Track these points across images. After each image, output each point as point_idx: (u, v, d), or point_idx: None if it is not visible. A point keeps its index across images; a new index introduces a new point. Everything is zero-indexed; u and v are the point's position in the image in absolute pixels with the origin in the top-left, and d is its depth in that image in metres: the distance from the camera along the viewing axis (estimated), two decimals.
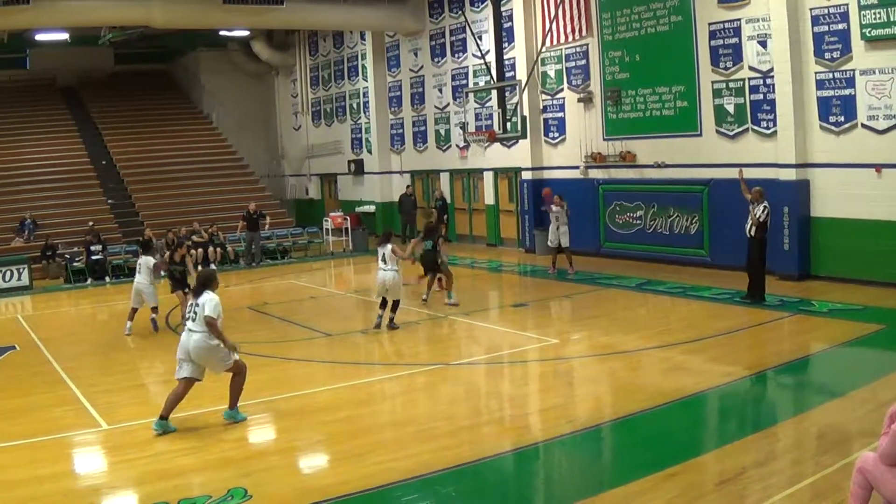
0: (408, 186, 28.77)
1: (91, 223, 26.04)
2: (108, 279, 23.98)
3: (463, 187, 27.60)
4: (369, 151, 31.56)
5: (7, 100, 35.01)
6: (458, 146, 27.07)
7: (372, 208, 31.09)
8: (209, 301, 9.50)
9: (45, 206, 28.24)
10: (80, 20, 25.80)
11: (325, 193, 35.74)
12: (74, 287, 23.60)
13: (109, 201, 29.49)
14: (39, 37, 30.85)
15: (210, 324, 9.47)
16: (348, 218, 28.48)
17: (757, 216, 14.86)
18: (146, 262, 15.47)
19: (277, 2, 25.03)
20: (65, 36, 30.54)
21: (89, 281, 23.72)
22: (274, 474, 8.24)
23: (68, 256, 25.00)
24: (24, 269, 23.30)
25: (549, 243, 20.11)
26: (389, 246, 14.88)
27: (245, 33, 32.68)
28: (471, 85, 25.82)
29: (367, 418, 10.05)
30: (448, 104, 27.44)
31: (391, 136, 30.65)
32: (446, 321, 15.60)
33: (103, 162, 31.81)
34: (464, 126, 23.87)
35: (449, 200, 27.47)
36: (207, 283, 9.87)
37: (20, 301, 21.69)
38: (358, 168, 32.12)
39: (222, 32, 31.25)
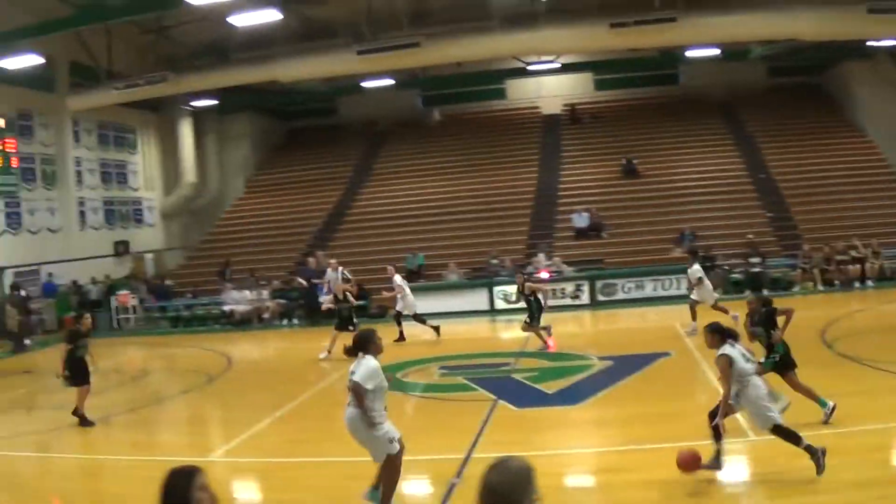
0: None
1: (750, 236, 27.16)
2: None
3: None
4: None
5: (660, 115, 37.59)
6: None
7: None
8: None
9: (703, 219, 29.47)
10: (728, 35, 26.63)
11: None
12: (732, 297, 22.99)
13: (768, 214, 30.02)
14: (690, 53, 32.76)
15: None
16: None
17: None
18: None
19: None
20: (716, 51, 32.11)
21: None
22: None
23: (726, 267, 26.29)
24: (683, 279, 22.98)
25: None
26: None
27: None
28: None
29: None
30: None
31: None
32: None
33: (761, 175, 32.37)
34: None
35: None
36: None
37: (678, 309, 21.82)
38: None
39: (869, 43, 30.12)
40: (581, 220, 30.67)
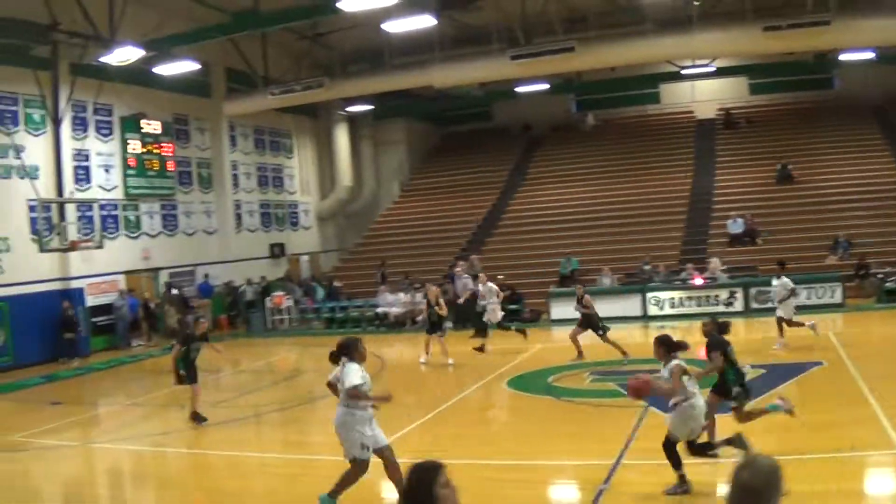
0: None
1: None
2: None
3: None
4: None
5: (815, 120, 36.48)
6: None
7: None
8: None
9: (859, 226, 28.39)
10: (882, 38, 25.59)
11: None
12: (886, 307, 23.77)
13: None
14: (844, 56, 31.63)
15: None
16: None
17: None
18: None
19: None
20: (870, 55, 30.76)
21: None
22: None
23: (881, 276, 25.41)
24: (837, 287, 24.31)
25: None
26: None
27: None
28: None
29: None
30: None
31: None
32: None
33: None
34: None
35: None
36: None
37: (832, 318, 21.93)
38: None
39: None
40: (736, 227, 29.76)
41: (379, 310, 28.57)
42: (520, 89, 35.62)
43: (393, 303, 28.39)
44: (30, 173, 24.53)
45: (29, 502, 11.36)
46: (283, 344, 27.04)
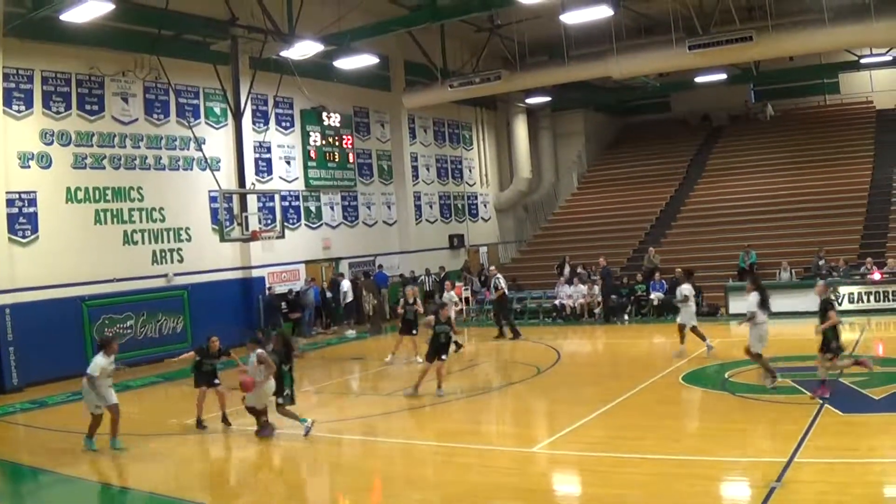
0: None
1: None
2: None
3: None
4: None
5: None
6: None
7: None
8: None
9: None
10: None
11: None
12: None
13: None
14: None
15: None
16: None
17: None
18: None
19: None
20: None
21: None
22: None
23: None
24: None
25: None
26: None
27: None
28: None
29: None
30: None
31: None
32: None
33: None
34: None
35: None
36: None
37: None
38: None
39: None
40: None
41: (556, 301, 28.07)
42: (698, 79, 34.49)
43: (571, 295, 27.80)
44: (211, 165, 25.24)
45: (204, 486, 11.52)
46: (458, 334, 26.84)
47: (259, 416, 13.43)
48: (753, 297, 15.00)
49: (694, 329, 18.55)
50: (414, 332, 20.21)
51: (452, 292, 24.48)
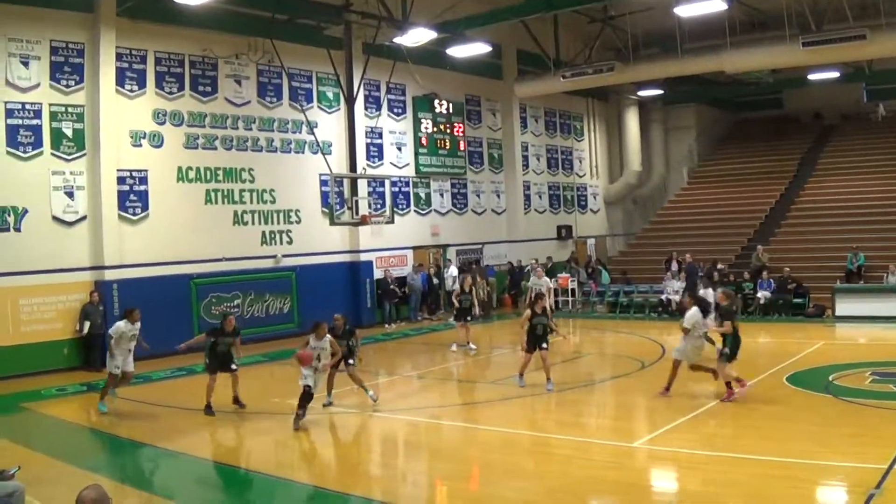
0: None
1: None
2: None
3: None
4: None
5: None
6: None
7: None
8: None
9: None
10: None
11: None
12: None
13: None
14: None
15: None
16: None
17: None
18: None
19: None
20: None
21: None
22: None
23: None
24: None
25: None
26: None
27: None
28: None
29: None
30: None
31: None
32: None
33: None
34: None
35: None
36: None
37: None
38: None
39: None
40: None
41: (663, 296, 27.59)
42: (811, 77, 33.42)
43: (678, 290, 27.22)
44: (323, 149, 25.47)
45: (301, 465, 11.74)
46: (565, 326, 26.60)
47: (304, 401, 13.13)
48: (694, 311, 14.54)
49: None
50: (469, 318, 20.95)
51: (546, 279, 24.14)
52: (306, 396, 12.97)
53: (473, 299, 21.28)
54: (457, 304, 21.08)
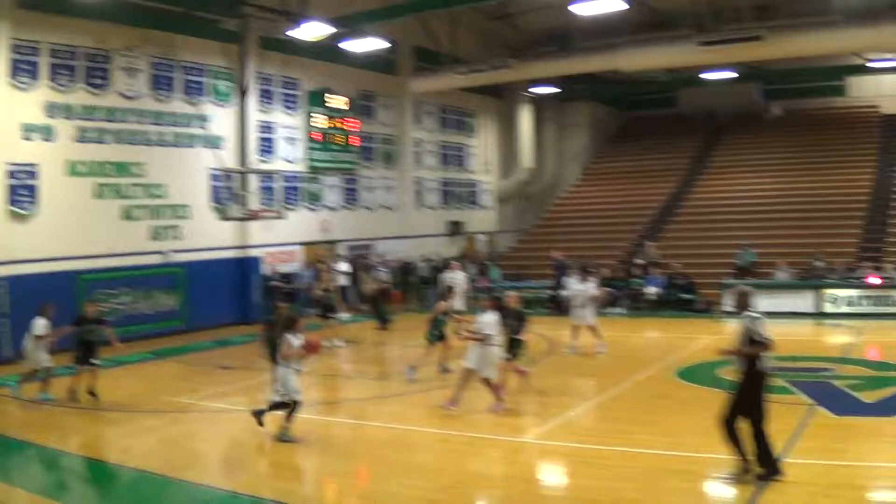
0: None
1: None
2: None
3: None
4: None
5: None
6: None
7: None
8: None
9: None
10: None
11: None
12: None
13: None
14: None
15: None
16: None
17: None
18: None
19: None
20: None
21: None
22: None
23: None
24: None
25: None
26: None
27: None
28: None
29: None
30: None
31: None
32: None
33: None
34: None
35: None
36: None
37: None
38: None
39: None
40: None
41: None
42: (706, 76, 34.45)
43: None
44: (215, 143, 25.27)
45: (190, 464, 11.60)
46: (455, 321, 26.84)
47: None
48: (490, 316, 13.59)
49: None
50: (330, 315, 21.27)
51: (461, 273, 24.64)
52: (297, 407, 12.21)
53: (336, 296, 21.74)
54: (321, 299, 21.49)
